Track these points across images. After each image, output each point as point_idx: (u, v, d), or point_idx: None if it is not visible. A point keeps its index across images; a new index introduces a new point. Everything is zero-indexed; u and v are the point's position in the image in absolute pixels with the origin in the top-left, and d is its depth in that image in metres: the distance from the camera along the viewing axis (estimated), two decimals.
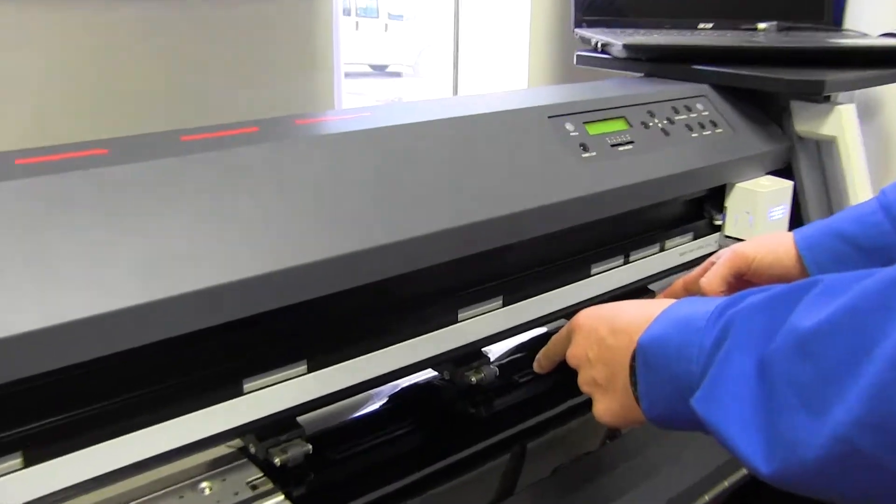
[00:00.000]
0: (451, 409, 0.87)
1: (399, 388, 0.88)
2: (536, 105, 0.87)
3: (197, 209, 0.58)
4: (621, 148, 0.90)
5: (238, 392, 0.63)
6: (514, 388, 0.90)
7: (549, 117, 0.86)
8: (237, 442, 0.68)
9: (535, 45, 1.56)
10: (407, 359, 0.74)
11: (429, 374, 0.88)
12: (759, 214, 1.02)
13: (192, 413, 0.60)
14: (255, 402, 0.63)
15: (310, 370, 0.67)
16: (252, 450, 0.67)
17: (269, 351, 0.64)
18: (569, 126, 0.87)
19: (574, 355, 0.62)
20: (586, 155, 0.85)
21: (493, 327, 0.82)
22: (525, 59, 1.57)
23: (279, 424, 0.67)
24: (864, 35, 1.44)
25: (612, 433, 0.82)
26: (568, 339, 0.64)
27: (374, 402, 0.87)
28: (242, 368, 0.63)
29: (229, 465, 0.67)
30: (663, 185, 0.91)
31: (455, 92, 1.74)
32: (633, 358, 0.53)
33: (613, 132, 0.91)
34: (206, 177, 0.61)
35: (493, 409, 0.87)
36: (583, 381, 0.61)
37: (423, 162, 0.73)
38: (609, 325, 0.58)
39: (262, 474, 0.67)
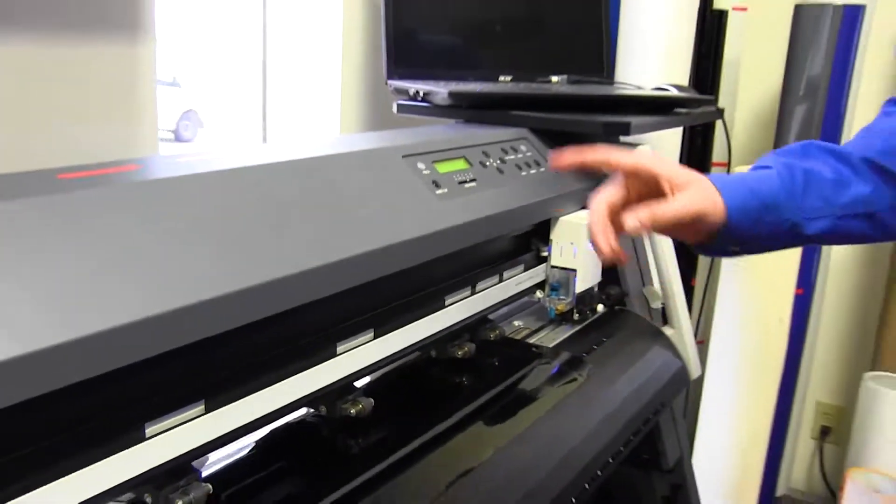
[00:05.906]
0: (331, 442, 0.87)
1: (277, 427, 0.86)
2: (390, 145, 0.90)
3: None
4: (467, 185, 0.95)
5: (140, 438, 0.59)
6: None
7: (403, 157, 0.90)
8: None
9: (346, 96, 1.60)
10: (298, 392, 0.73)
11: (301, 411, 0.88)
12: (582, 245, 1.12)
13: (91, 465, 0.56)
14: (159, 447, 0.60)
15: (208, 410, 0.65)
16: (148, 501, 0.63)
17: (170, 393, 0.62)
18: (420, 165, 0.91)
19: None
20: (439, 192, 0.90)
21: (367, 359, 0.83)
22: (335, 109, 1.61)
23: (174, 470, 0.64)
24: (639, 87, 1.62)
25: None
26: None
27: (253, 443, 0.84)
28: (145, 413, 0.60)
29: None
30: (506, 219, 0.97)
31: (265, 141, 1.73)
32: None
33: (458, 171, 0.96)
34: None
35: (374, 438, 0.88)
36: None
37: (291, 202, 0.73)
38: None
39: None
